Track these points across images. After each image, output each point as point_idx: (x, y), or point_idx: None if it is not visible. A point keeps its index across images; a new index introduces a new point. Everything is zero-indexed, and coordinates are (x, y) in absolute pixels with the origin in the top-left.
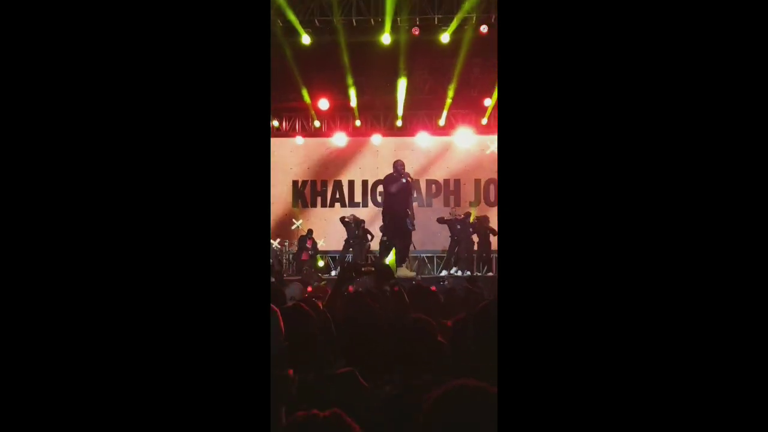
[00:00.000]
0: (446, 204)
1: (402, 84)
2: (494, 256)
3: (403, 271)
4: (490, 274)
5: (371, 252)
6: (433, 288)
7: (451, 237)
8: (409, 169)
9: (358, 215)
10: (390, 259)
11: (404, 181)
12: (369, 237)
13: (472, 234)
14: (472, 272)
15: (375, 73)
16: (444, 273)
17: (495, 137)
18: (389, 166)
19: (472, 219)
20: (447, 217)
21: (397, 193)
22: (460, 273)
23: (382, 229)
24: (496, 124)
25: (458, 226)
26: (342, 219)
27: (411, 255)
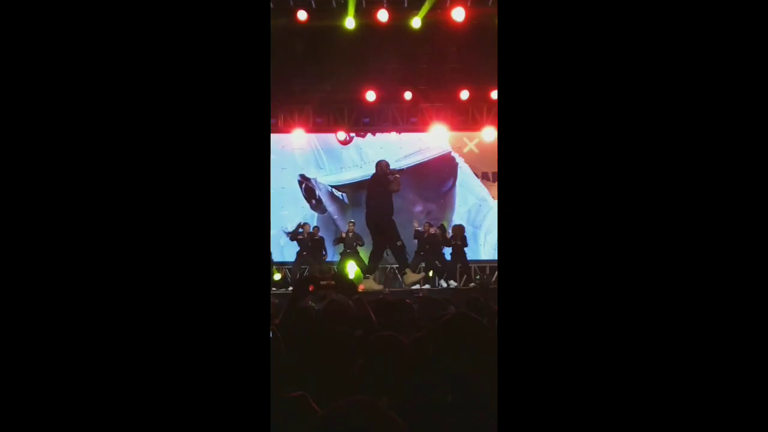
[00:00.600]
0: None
1: (368, 74)
2: (474, 266)
3: (369, 284)
4: (472, 284)
5: (330, 263)
6: (408, 301)
7: (417, 251)
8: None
9: (311, 223)
10: (354, 271)
11: (391, 180)
12: (323, 252)
13: (444, 246)
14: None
15: (337, 62)
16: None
17: (473, 134)
18: (355, 167)
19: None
20: (418, 228)
21: (384, 195)
22: (444, 284)
23: (336, 241)
24: (473, 120)
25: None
26: (292, 233)
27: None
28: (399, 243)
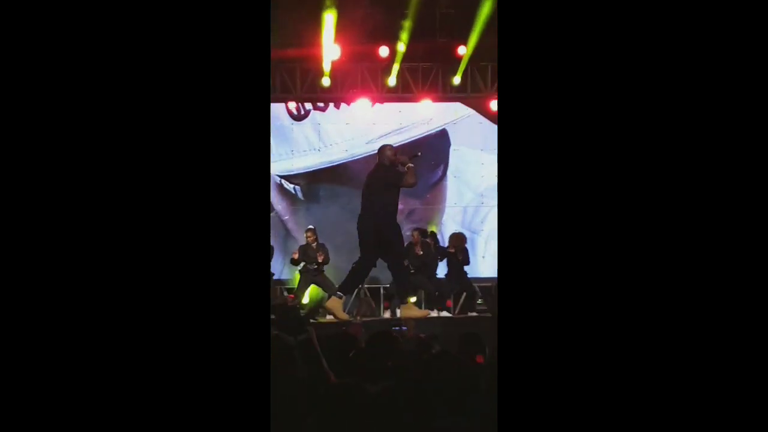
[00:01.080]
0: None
1: (329, 22)
2: (477, 287)
3: (335, 307)
4: (473, 314)
5: (279, 282)
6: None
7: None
8: (344, 153)
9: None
10: (308, 296)
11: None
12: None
13: (441, 259)
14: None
15: (287, 6)
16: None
17: (475, 105)
18: (311, 150)
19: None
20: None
21: (388, 191)
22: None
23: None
24: (474, 85)
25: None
26: None
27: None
28: (406, 263)
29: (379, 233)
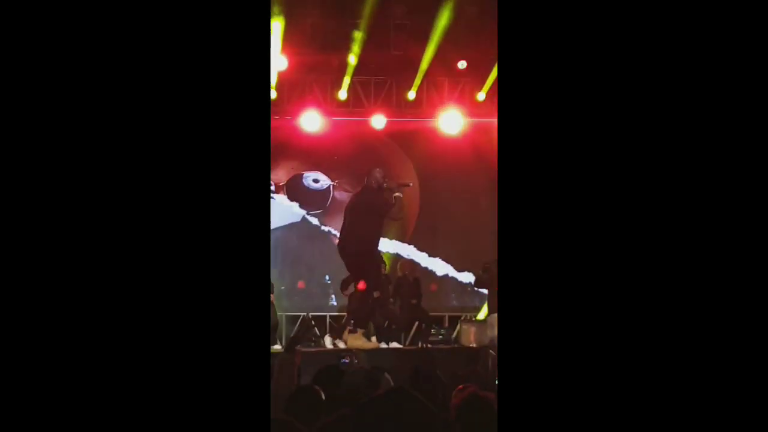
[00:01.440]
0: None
1: (276, 29)
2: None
3: (354, 342)
4: (428, 345)
5: None
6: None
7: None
8: (287, 174)
9: None
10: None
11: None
12: None
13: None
14: (400, 342)
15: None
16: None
17: (427, 120)
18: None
19: (387, 269)
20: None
21: (372, 219)
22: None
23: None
24: (429, 101)
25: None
26: None
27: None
28: (376, 294)
29: (357, 261)
